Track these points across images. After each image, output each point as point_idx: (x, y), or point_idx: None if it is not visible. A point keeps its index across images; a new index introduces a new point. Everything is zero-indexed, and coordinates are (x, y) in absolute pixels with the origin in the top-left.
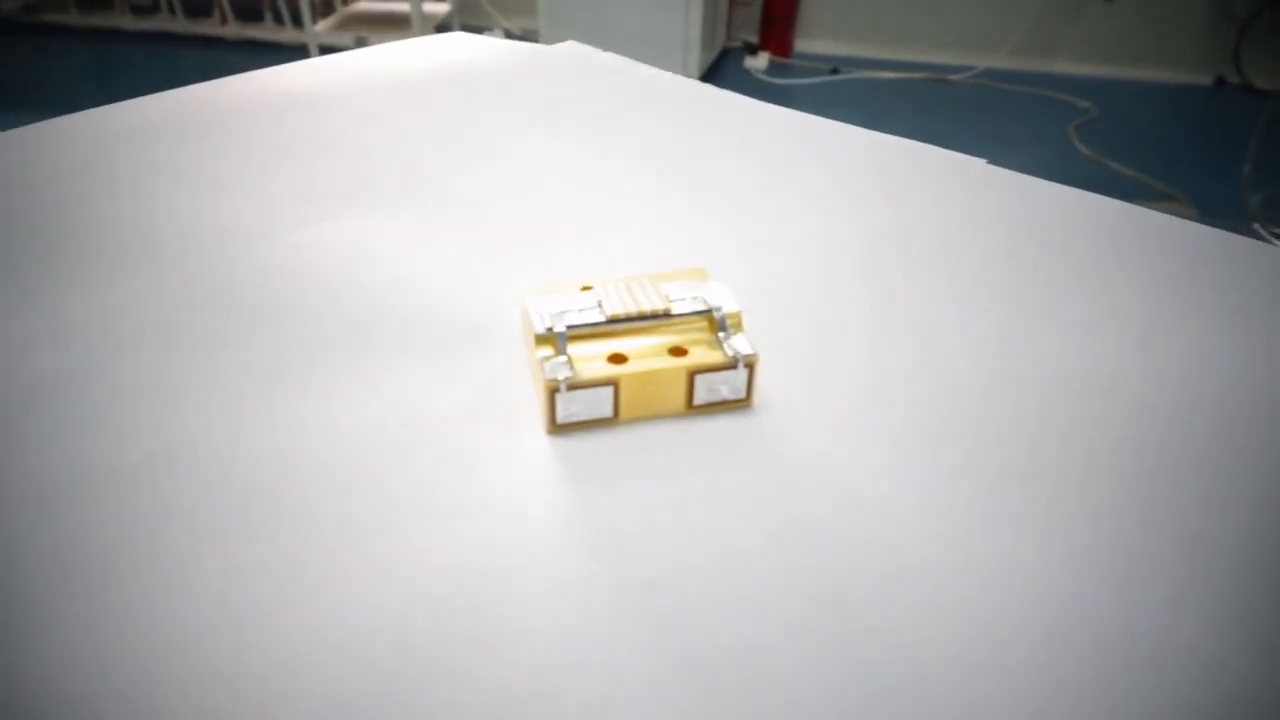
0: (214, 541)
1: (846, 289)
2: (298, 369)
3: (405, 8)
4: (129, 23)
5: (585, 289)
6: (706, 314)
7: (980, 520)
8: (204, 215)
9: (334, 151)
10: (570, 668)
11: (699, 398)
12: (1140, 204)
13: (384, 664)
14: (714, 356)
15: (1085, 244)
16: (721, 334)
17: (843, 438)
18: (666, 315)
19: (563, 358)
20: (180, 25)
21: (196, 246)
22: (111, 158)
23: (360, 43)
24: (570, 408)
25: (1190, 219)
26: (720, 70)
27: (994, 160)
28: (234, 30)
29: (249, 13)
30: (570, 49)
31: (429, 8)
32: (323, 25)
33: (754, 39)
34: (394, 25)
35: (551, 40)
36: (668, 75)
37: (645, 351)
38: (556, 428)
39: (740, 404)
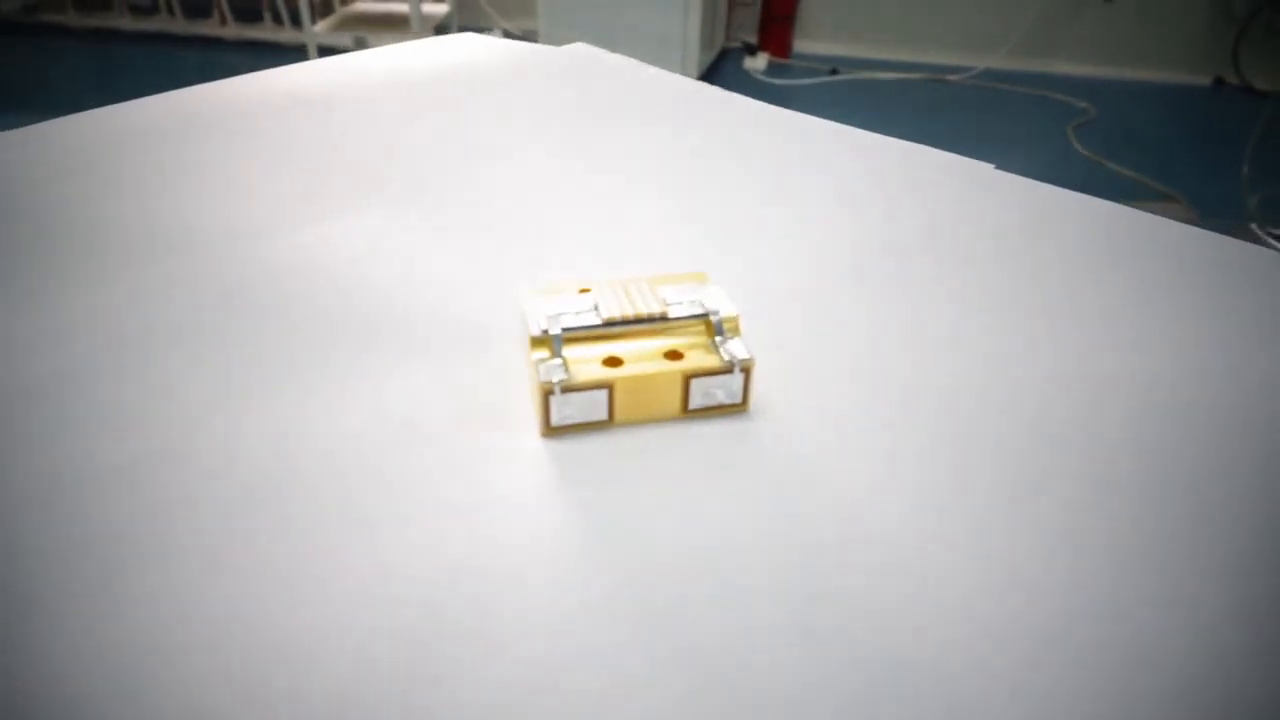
0: (215, 538)
1: (848, 294)
2: (298, 368)
3: (404, 8)
4: (127, 23)
5: (583, 291)
6: (704, 318)
7: (976, 522)
8: (208, 215)
9: (341, 152)
10: (564, 668)
11: (694, 402)
12: (1138, 205)
13: (380, 662)
14: (710, 361)
15: (1087, 249)
16: (718, 338)
17: (839, 444)
18: (663, 319)
19: (558, 360)
20: (179, 26)
21: (200, 246)
22: (117, 157)
23: (359, 43)
24: (564, 410)
25: (1188, 220)
26: (719, 71)
27: (992, 160)
28: (233, 31)
29: (248, 13)
30: (579, 50)
31: (428, 8)
32: (322, 26)
33: (753, 39)
34: (393, 26)
35: (550, 41)
36: (675, 77)
37: (641, 355)
38: (551, 430)
39: (736, 409)
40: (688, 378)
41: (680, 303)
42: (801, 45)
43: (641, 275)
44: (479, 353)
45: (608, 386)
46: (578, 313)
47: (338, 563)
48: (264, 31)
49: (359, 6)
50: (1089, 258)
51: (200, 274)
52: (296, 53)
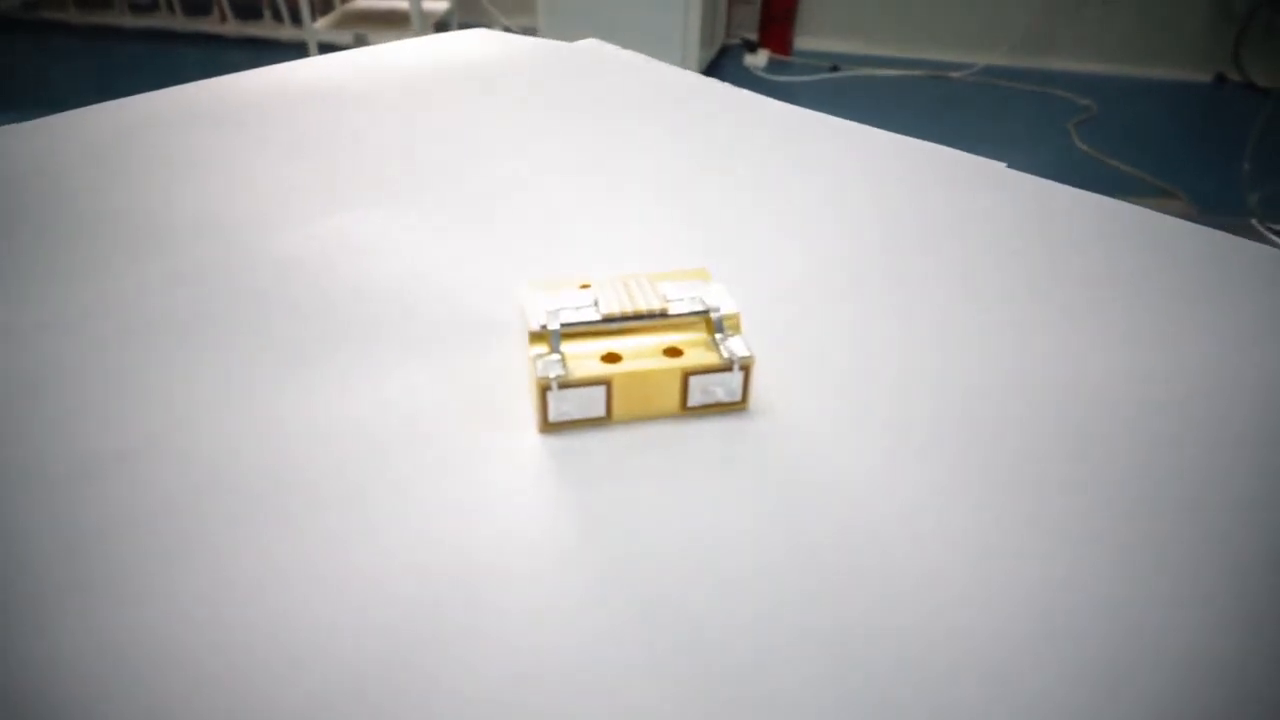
0: (214, 531)
1: (853, 293)
2: (299, 362)
3: (404, 5)
4: (128, 20)
5: (584, 287)
6: (704, 315)
7: (977, 521)
8: (214, 209)
9: (348, 147)
10: (560, 663)
11: (693, 399)
12: (1139, 201)
13: (378, 656)
14: (709, 358)
15: (1088, 246)
16: (718, 335)
17: (838, 443)
18: (663, 315)
19: (556, 356)
20: (179, 23)
21: (203, 239)
22: (124, 151)
23: (359, 40)
24: (562, 406)
25: (1189, 216)
26: (719, 68)
27: (994, 157)
28: (233, 28)
29: (248, 10)
30: (591, 46)
31: (428, 5)
32: (322, 22)
33: (753, 36)
34: (393, 23)
35: (550, 37)
36: (687, 74)
37: (640, 351)
38: (549, 426)
39: (736, 406)
40: (687, 375)
41: (681, 299)
42: (802, 42)
43: (644, 272)
44: (480, 348)
45: (606, 383)
46: (577, 308)
47: (336, 557)
48: (264, 28)
49: (359, 3)
50: (1089, 255)
51: (205, 268)
52: (296, 50)
